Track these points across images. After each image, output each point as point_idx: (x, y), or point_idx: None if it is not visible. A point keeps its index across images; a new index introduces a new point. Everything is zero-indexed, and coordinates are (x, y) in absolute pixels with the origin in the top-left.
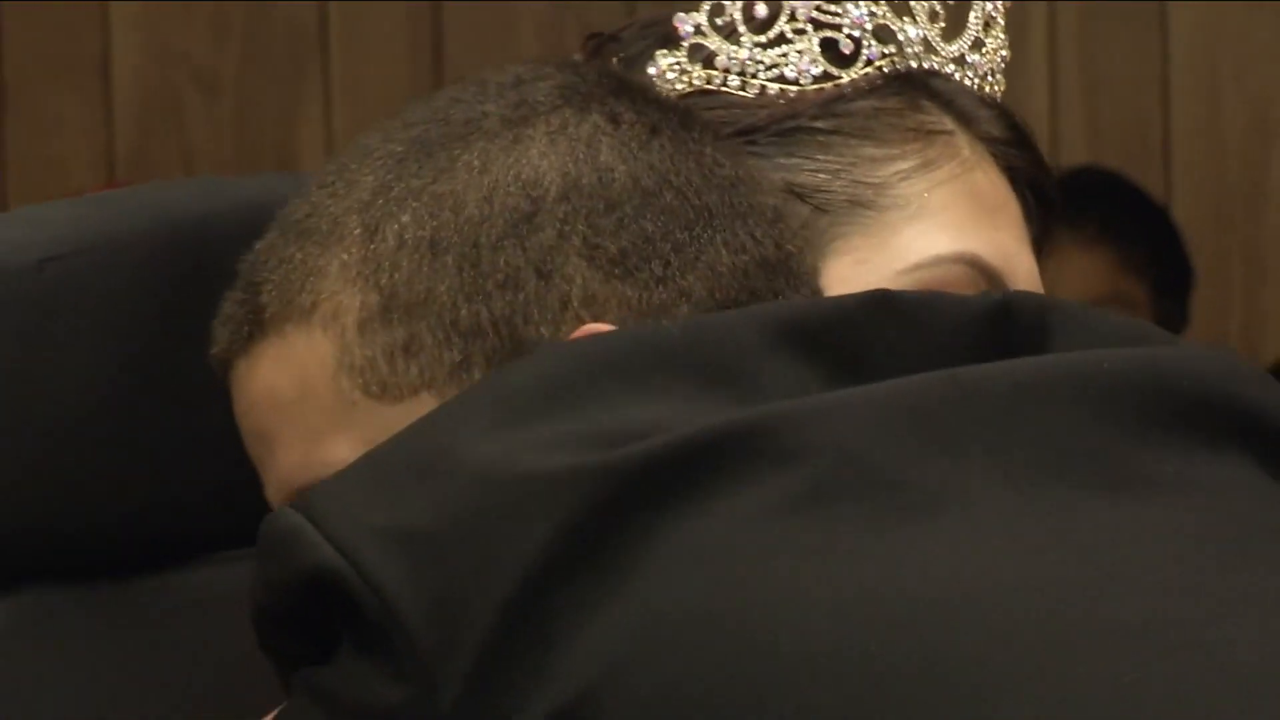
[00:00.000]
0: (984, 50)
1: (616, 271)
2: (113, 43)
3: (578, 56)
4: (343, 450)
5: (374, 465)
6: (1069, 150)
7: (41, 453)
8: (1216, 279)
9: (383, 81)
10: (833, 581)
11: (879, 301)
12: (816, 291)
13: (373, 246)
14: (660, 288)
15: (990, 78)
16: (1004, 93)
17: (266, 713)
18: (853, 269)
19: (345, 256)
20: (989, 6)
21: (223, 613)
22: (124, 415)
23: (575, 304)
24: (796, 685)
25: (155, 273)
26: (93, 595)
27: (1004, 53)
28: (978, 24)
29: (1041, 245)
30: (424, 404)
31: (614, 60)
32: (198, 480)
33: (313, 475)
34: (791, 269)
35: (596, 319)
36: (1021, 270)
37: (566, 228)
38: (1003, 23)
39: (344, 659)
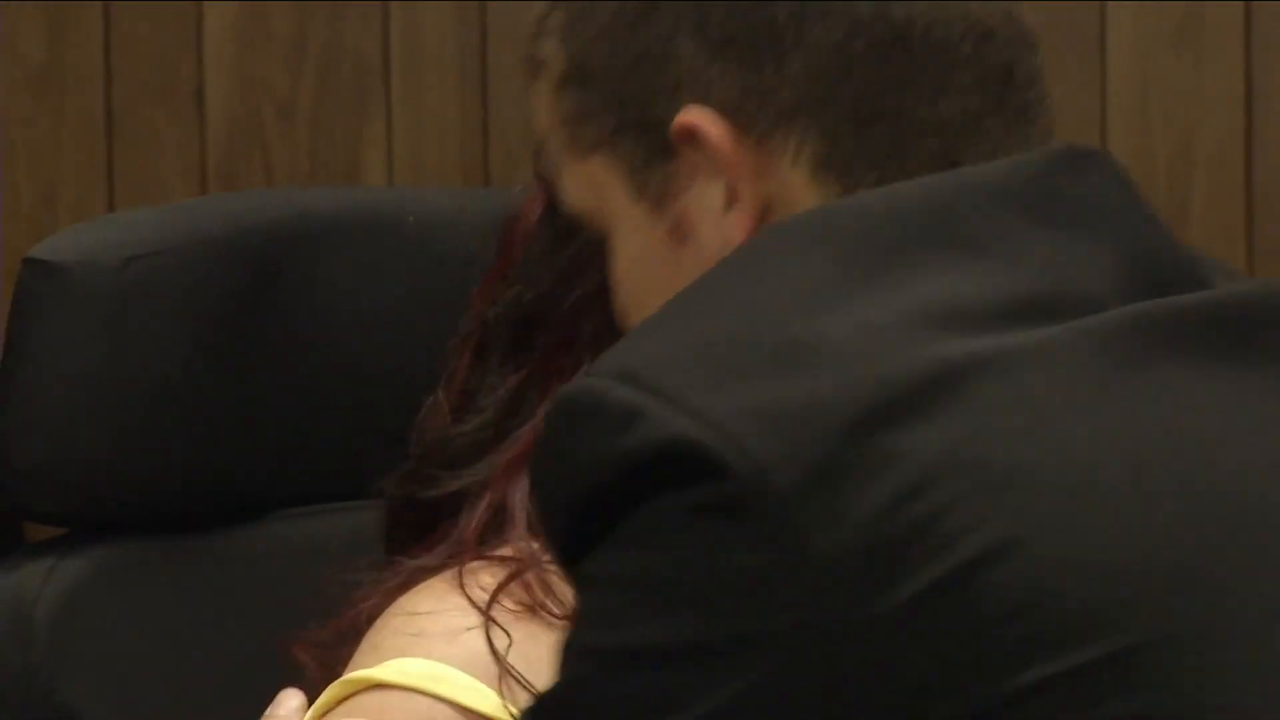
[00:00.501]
0: None
1: (723, 53)
2: (205, 74)
3: None
4: (570, 194)
5: (709, 345)
6: None
7: (126, 424)
8: None
9: (437, 109)
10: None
11: (1070, 154)
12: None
13: (572, 15)
14: (766, 69)
15: None
16: None
17: (321, 647)
18: None
19: (559, 18)
20: None
21: (280, 563)
22: (196, 393)
23: (685, 85)
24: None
25: (226, 270)
26: (169, 546)
27: None
28: None
29: None
30: (597, 166)
31: None
32: (258, 449)
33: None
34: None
35: (702, 100)
36: None
37: (680, 12)
38: None
39: (681, 534)
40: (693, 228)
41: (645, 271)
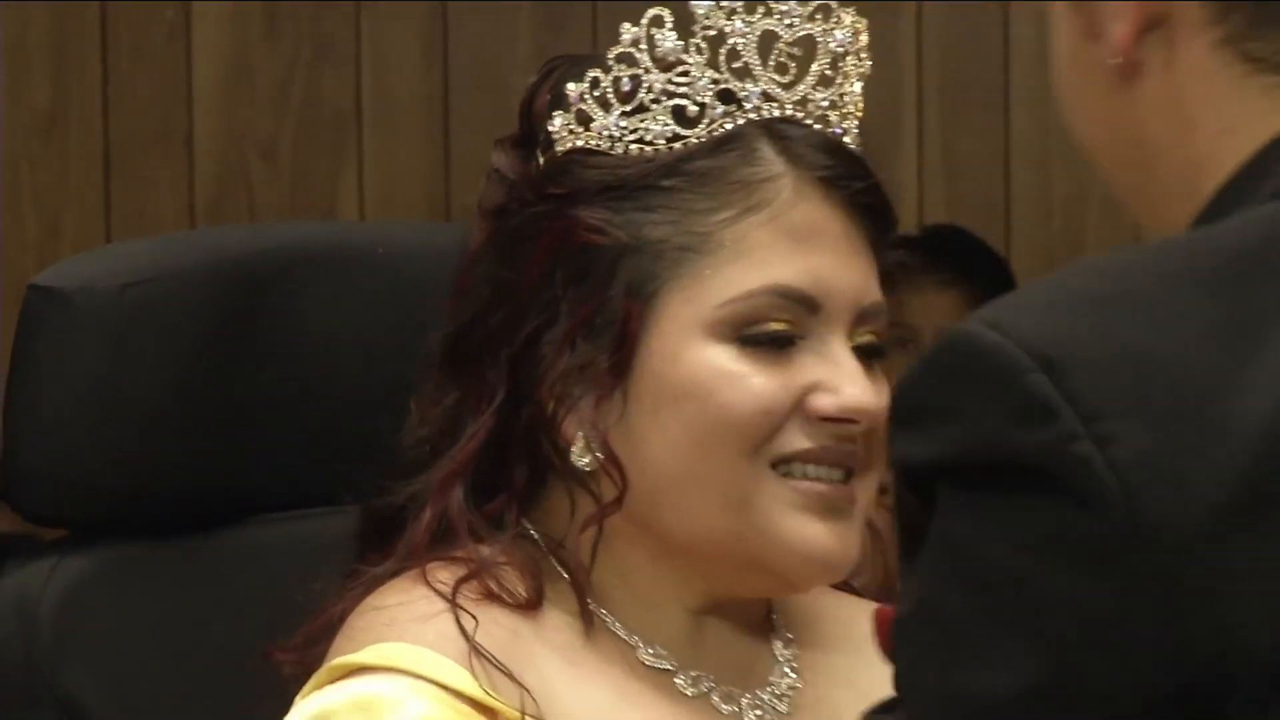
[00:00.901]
0: (832, 85)
1: None
2: (195, 120)
3: (533, 78)
4: None
5: (1133, 360)
6: (932, 213)
7: (123, 435)
8: None
9: (404, 152)
10: None
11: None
12: None
13: None
14: None
15: (835, 109)
16: (883, 164)
17: (295, 650)
18: (682, 306)
19: None
20: (834, 46)
21: (263, 563)
22: (187, 406)
23: None
24: None
25: (214, 296)
26: (162, 546)
27: (856, 84)
28: (825, 62)
29: (895, 267)
30: None
31: (547, 91)
32: (245, 458)
33: None
34: None
35: None
36: (836, 285)
37: None
38: (858, 59)
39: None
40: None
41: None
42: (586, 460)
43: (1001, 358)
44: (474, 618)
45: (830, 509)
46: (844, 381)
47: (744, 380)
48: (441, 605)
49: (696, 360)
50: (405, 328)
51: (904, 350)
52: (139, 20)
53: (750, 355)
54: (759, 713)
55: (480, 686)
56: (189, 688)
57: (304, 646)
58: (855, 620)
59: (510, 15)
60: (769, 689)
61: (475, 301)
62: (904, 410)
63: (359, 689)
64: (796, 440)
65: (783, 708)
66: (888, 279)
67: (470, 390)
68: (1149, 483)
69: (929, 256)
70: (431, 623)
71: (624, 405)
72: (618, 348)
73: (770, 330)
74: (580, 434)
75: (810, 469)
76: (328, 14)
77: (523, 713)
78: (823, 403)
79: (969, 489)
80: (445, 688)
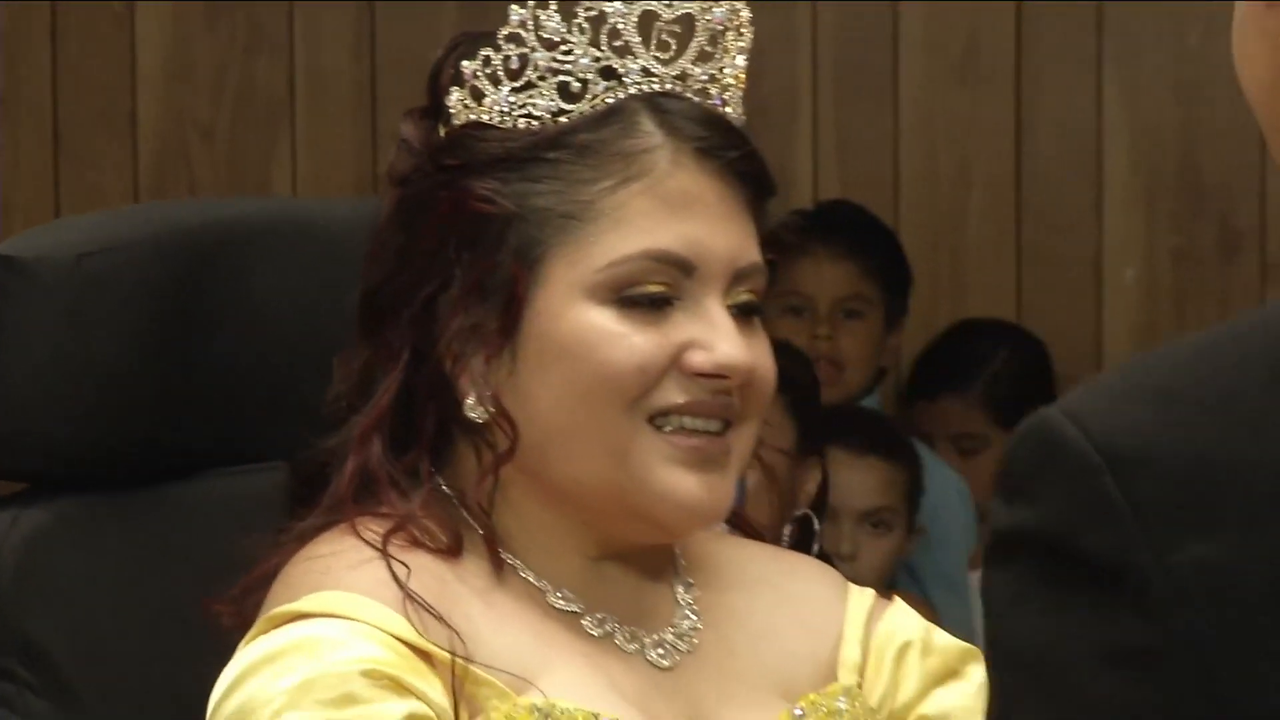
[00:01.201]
0: (712, 60)
1: None
2: (139, 101)
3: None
4: None
5: (1205, 474)
6: (827, 191)
7: (82, 395)
8: (929, 282)
9: (334, 131)
10: None
11: None
12: None
13: None
14: None
15: (715, 83)
16: (781, 145)
17: (233, 601)
18: (565, 270)
19: None
20: (712, 23)
21: (212, 514)
22: (140, 368)
23: None
24: None
25: (165, 265)
26: (117, 498)
27: (738, 59)
28: (703, 39)
29: (782, 229)
30: None
31: (450, 66)
32: (195, 416)
33: None
34: None
35: None
36: (711, 248)
37: None
38: (739, 35)
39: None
40: None
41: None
42: (479, 413)
43: (1075, 454)
44: (405, 565)
45: (703, 461)
46: (718, 339)
47: (622, 339)
48: (372, 554)
49: (578, 320)
50: (340, 294)
51: (799, 318)
52: (88, 13)
53: (629, 315)
54: (660, 651)
55: (415, 630)
56: (145, 631)
57: (241, 598)
58: (752, 561)
59: (434, 8)
60: (670, 630)
61: (383, 265)
62: (999, 477)
63: (301, 632)
64: (673, 395)
65: (684, 647)
66: (775, 241)
67: (380, 349)
68: (1205, 593)
69: (824, 230)
70: (365, 570)
71: (513, 363)
72: (506, 309)
73: (648, 292)
74: (473, 389)
75: (687, 421)
76: (261, 9)
77: (453, 654)
78: (697, 359)
79: (1039, 568)
80: (383, 631)
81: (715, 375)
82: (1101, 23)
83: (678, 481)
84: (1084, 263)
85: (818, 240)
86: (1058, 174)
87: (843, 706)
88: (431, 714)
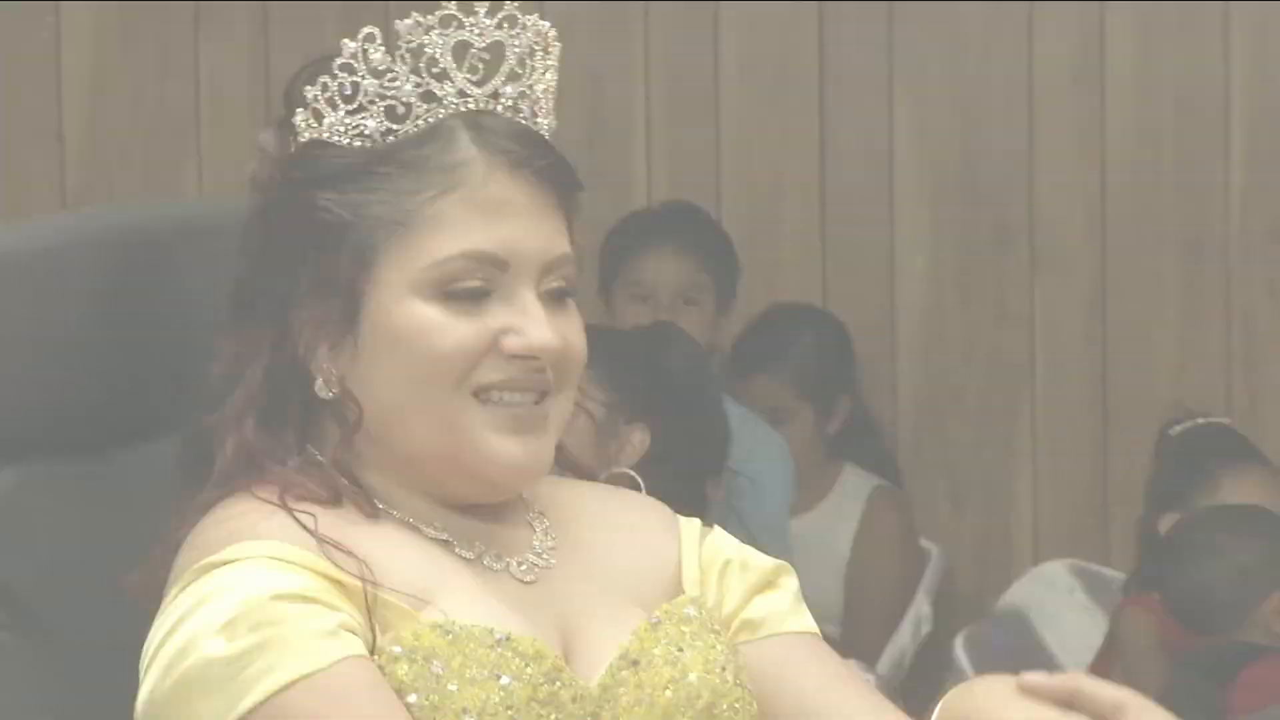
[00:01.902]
0: (521, 79)
1: None
2: (65, 120)
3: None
4: None
5: None
6: (658, 194)
7: (45, 369)
8: (747, 272)
9: (237, 148)
10: None
11: None
12: None
13: None
14: None
15: (525, 99)
16: (620, 154)
17: (145, 573)
18: (396, 271)
19: None
20: (517, 46)
21: (153, 477)
22: (95, 350)
23: None
24: None
25: (109, 258)
26: (72, 462)
27: (547, 75)
28: (513, 61)
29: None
30: None
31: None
32: (147, 386)
33: None
34: None
35: None
36: (523, 246)
37: None
38: (546, 54)
39: None
40: None
41: None
42: (326, 394)
43: None
44: (311, 515)
45: (522, 428)
46: (529, 325)
47: (445, 328)
48: (274, 509)
49: (408, 313)
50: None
51: (644, 304)
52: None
53: (451, 307)
54: (524, 568)
55: (329, 563)
56: (94, 577)
57: (156, 569)
58: (593, 498)
59: (319, 29)
60: (530, 551)
61: (249, 262)
62: None
63: (231, 574)
64: (493, 374)
65: (542, 564)
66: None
67: (247, 336)
68: None
69: (665, 228)
70: (274, 520)
71: (356, 350)
72: (346, 305)
73: (467, 286)
74: (320, 373)
75: (506, 395)
76: (171, 33)
77: (363, 580)
78: (511, 343)
79: None
80: (301, 566)
81: (528, 356)
82: (892, 49)
83: (500, 444)
84: (879, 254)
85: (660, 237)
86: (856, 178)
87: (692, 614)
88: (356, 626)
